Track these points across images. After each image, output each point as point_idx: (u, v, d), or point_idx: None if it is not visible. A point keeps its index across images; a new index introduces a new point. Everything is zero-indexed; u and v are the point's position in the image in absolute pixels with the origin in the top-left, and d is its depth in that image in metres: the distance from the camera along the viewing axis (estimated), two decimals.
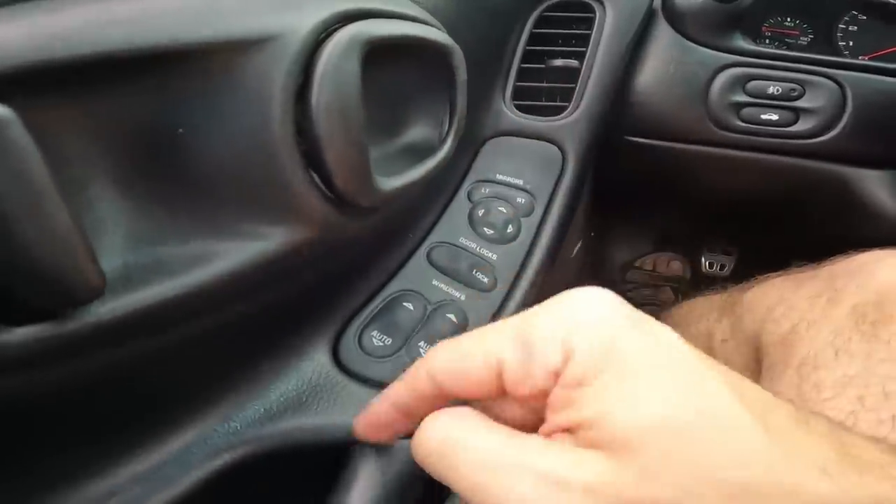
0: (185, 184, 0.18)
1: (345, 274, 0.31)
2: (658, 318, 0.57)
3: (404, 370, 0.31)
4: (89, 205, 0.16)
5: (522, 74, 0.45)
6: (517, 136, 0.44)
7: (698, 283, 0.84)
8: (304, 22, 0.20)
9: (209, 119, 0.18)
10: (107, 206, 0.16)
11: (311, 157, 0.20)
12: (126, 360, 0.18)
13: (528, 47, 0.45)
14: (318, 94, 0.19)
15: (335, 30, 0.21)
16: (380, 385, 0.30)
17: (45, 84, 0.14)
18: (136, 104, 0.17)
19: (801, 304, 0.36)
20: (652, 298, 0.80)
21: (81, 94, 0.16)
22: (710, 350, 0.43)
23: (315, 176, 0.21)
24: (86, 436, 0.20)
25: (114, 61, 0.15)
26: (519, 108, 0.44)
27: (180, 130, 0.18)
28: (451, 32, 0.31)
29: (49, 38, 0.14)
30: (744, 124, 0.46)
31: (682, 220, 0.81)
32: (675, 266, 0.87)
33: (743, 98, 0.46)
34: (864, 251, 0.35)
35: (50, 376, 0.16)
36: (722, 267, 0.87)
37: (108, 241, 0.16)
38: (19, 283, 0.13)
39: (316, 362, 0.28)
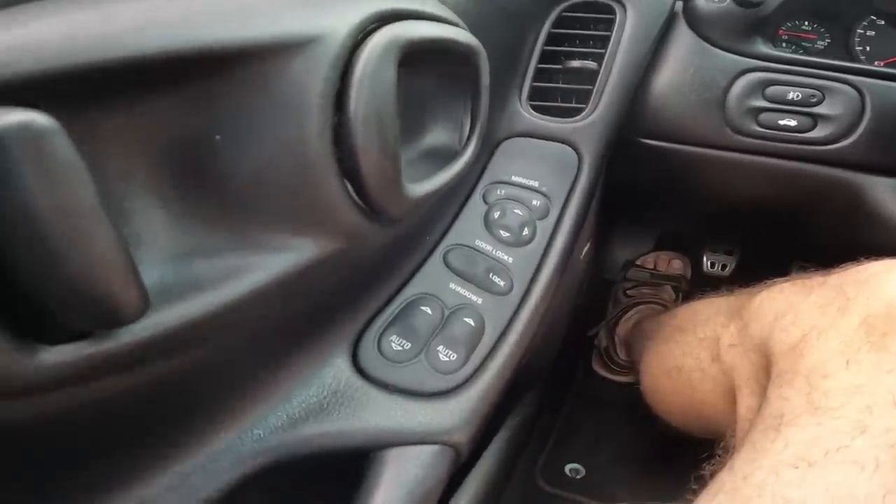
0: (220, 195, 0.18)
1: (365, 279, 0.30)
2: (662, 318, 0.57)
3: (423, 375, 0.31)
4: (126, 218, 0.15)
5: (539, 75, 0.44)
6: (533, 137, 0.43)
7: (699, 283, 0.84)
8: (341, 24, 0.19)
9: (246, 127, 0.17)
10: (143, 219, 0.16)
11: (346, 166, 0.20)
12: (159, 375, 0.18)
13: (545, 47, 0.45)
14: (356, 101, 0.19)
15: (371, 31, 0.20)
16: (399, 391, 0.30)
17: (86, 91, 0.14)
18: (173, 112, 0.16)
19: (812, 313, 0.36)
20: (652, 297, 0.81)
21: (120, 100, 0.15)
22: (717, 354, 0.44)
23: (348, 185, 0.20)
24: (117, 448, 0.20)
25: (154, 66, 0.15)
26: (535, 108, 0.44)
27: (217, 137, 0.17)
28: (470, 32, 0.30)
29: (93, 38, 0.13)
30: (761, 129, 0.46)
31: (686, 220, 0.82)
32: (676, 265, 0.87)
33: (761, 103, 0.45)
34: (874, 259, 0.35)
35: (84, 393, 0.16)
36: (723, 267, 0.87)
37: (144, 255, 0.16)
38: (61, 303, 0.13)
39: (336, 368, 0.28)
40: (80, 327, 0.14)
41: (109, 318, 0.13)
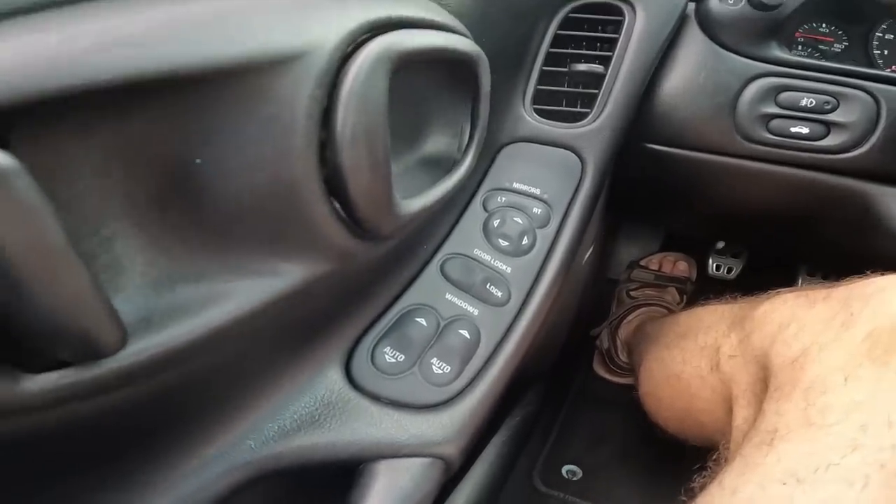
0: (202, 218, 0.17)
1: (358, 292, 0.30)
2: (665, 323, 0.57)
3: (416, 387, 0.31)
4: (105, 243, 0.15)
5: (544, 77, 0.43)
6: (536, 142, 0.42)
7: (704, 285, 0.83)
8: (330, 36, 0.18)
9: (228, 148, 0.17)
10: (122, 244, 0.16)
11: (333, 185, 0.19)
12: (146, 392, 0.18)
13: (551, 49, 0.44)
14: (344, 118, 0.18)
15: (363, 42, 0.19)
16: (392, 403, 0.29)
17: (52, 114, 0.13)
18: (151, 134, 0.16)
19: (815, 326, 0.35)
20: (656, 299, 0.80)
21: (93, 123, 0.14)
22: (716, 363, 0.43)
23: (336, 204, 0.20)
24: (105, 459, 0.20)
25: (127, 87, 0.14)
26: (539, 113, 0.43)
27: (198, 161, 0.17)
28: (473, 33, 0.29)
29: (54, 63, 0.12)
30: (772, 137, 0.45)
31: (693, 224, 0.80)
32: (681, 266, 0.86)
33: (773, 109, 0.44)
34: (881, 273, 0.35)
35: (68, 415, 0.16)
36: (729, 270, 0.86)
37: (124, 282, 0.16)
38: (37, 340, 0.13)
39: (329, 380, 0.28)
40: (62, 359, 0.13)
41: (88, 353, 0.13)
